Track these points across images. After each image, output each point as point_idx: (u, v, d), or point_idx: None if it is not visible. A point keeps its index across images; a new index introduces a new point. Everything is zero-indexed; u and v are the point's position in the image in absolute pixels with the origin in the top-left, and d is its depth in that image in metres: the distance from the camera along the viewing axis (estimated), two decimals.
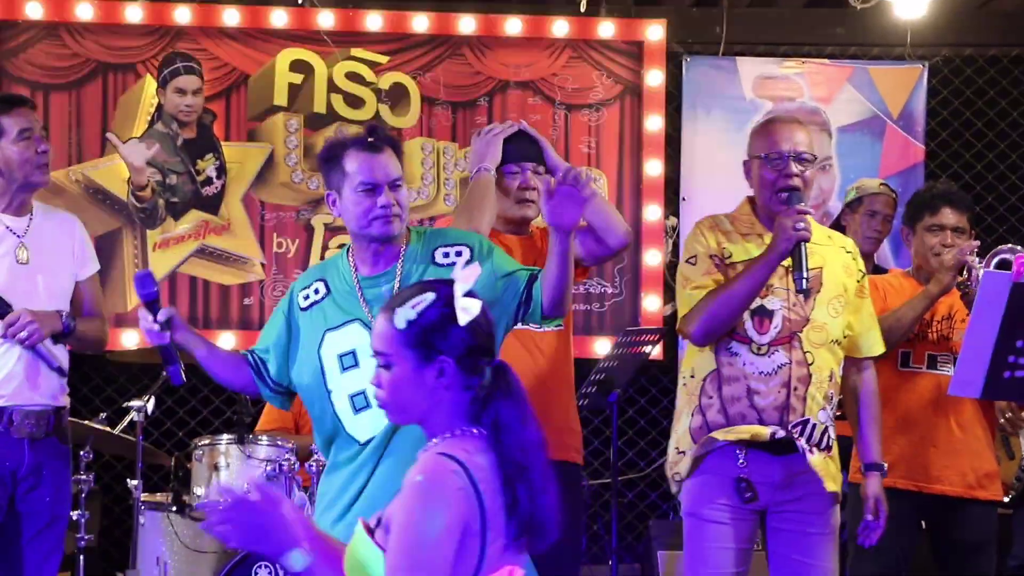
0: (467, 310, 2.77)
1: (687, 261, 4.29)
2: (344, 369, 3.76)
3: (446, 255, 3.87)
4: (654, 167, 7.35)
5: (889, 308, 4.87)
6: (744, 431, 4.12)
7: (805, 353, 4.16)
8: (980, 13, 7.73)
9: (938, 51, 7.60)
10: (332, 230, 7.20)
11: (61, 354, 4.60)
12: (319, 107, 7.27)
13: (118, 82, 7.19)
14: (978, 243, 4.80)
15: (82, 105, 7.15)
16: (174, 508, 5.62)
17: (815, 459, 4.14)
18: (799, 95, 7.48)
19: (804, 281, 4.09)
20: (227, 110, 7.25)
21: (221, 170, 7.20)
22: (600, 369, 5.96)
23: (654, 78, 7.38)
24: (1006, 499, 5.27)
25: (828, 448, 4.20)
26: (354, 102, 7.28)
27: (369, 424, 3.73)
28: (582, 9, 7.37)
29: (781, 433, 4.11)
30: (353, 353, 3.74)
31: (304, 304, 3.82)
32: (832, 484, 4.19)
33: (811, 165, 4.25)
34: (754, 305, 4.14)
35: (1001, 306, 3.47)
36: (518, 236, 4.60)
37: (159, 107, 7.17)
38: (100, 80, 7.17)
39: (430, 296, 2.78)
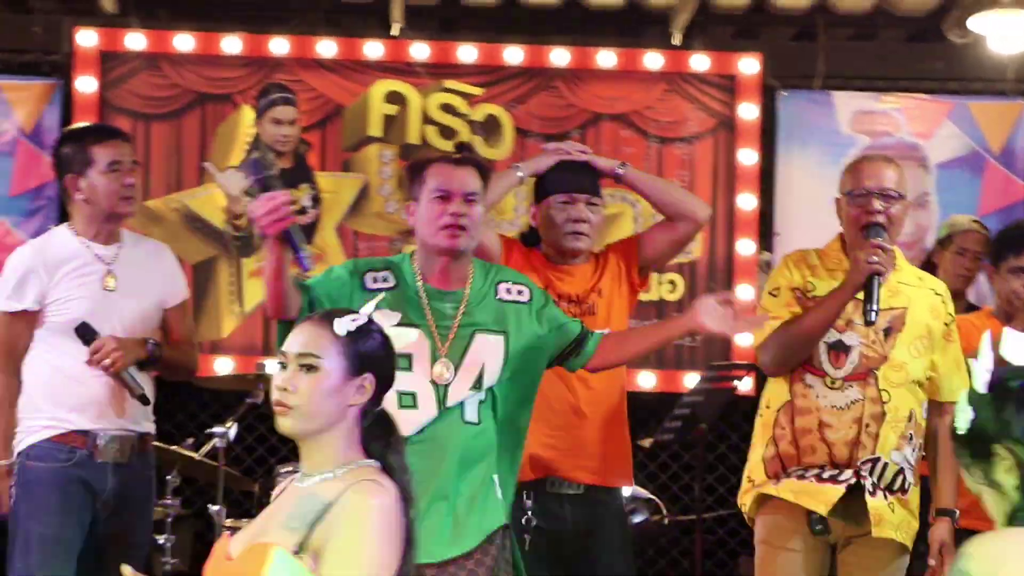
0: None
1: (770, 293, 4.33)
2: (403, 368, 3.79)
3: (508, 291, 3.94)
4: (747, 201, 7.30)
5: (969, 349, 4.77)
6: (807, 497, 4.12)
7: (881, 391, 4.14)
8: None
9: None
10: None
11: (145, 381, 4.66)
12: (413, 138, 7.32)
13: (216, 112, 7.29)
14: None
15: (181, 135, 7.27)
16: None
17: (875, 502, 4.11)
18: (897, 130, 7.39)
19: (873, 313, 4.05)
20: (322, 140, 7.32)
21: (316, 200, 7.28)
22: (685, 404, 5.92)
23: (748, 111, 7.33)
24: None
25: (903, 491, 4.15)
26: (448, 133, 7.32)
27: (406, 425, 3.76)
28: (676, 42, 7.34)
29: (849, 474, 4.08)
30: (409, 357, 3.77)
31: (372, 285, 3.85)
32: (887, 530, 4.14)
33: (898, 203, 4.21)
34: (832, 339, 4.14)
35: None
36: (576, 265, 4.59)
37: (256, 137, 7.26)
38: (199, 110, 7.28)
39: (366, 316, 2.85)
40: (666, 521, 6.46)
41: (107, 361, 4.49)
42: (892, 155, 7.17)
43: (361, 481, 2.73)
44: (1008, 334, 2.44)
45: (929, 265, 5.98)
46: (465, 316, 3.86)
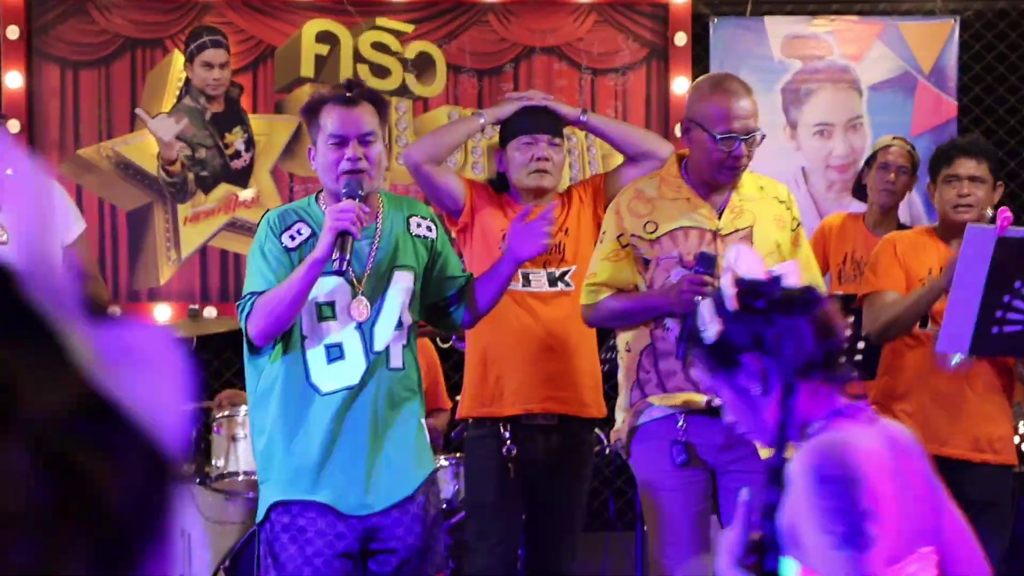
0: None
1: (600, 239, 4.35)
2: (321, 319, 3.84)
3: (419, 225, 3.98)
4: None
5: (831, 253, 4.85)
6: (678, 398, 4.13)
7: None
8: None
9: (970, 5, 7.48)
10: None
11: None
12: (346, 78, 7.28)
13: (146, 58, 7.24)
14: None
15: (111, 81, 7.21)
16: (196, 480, 5.68)
17: None
18: (828, 53, 7.40)
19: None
20: (254, 83, 7.28)
21: (249, 143, 7.24)
22: None
23: (680, 40, 7.33)
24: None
25: None
26: (380, 72, 7.29)
27: (337, 377, 3.82)
28: None
29: (717, 401, 4.10)
30: (332, 304, 3.82)
31: (291, 244, 3.86)
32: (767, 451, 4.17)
33: (759, 143, 4.23)
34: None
35: (986, 261, 3.44)
36: (542, 205, 4.68)
37: (187, 81, 7.22)
38: (128, 56, 7.22)
39: None
40: (608, 451, 6.50)
41: None
42: (824, 78, 7.28)
43: None
44: (740, 250, 2.55)
45: (860, 187, 6.03)
46: (379, 251, 3.89)
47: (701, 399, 4.11)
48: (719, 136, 4.17)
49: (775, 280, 2.60)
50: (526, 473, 4.61)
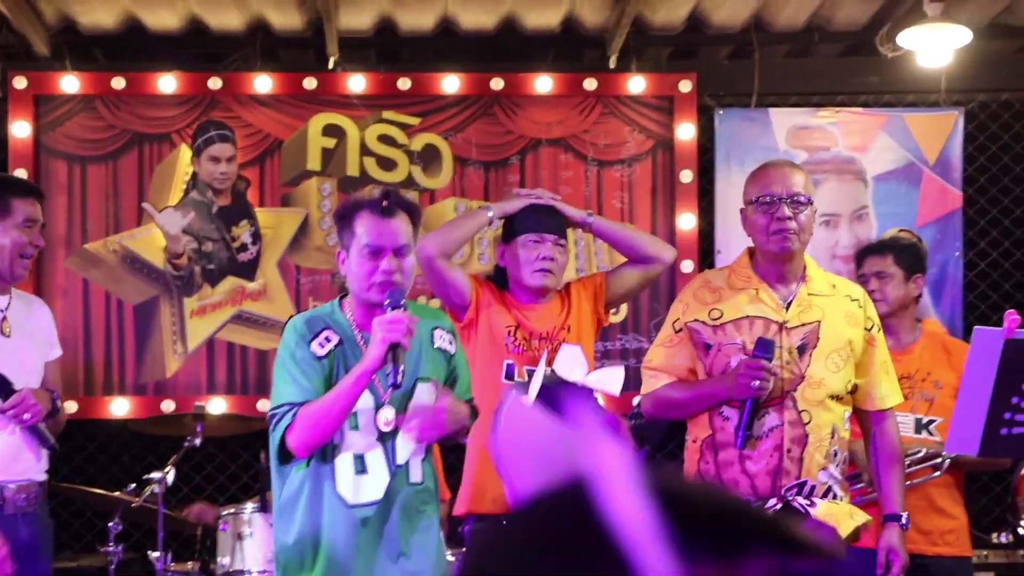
0: None
1: (672, 325, 4.30)
2: (351, 428, 3.82)
3: (442, 338, 4.00)
4: (687, 221, 7.33)
5: None
6: None
7: (800, 412, 4.08)
8: (1016, 58, 7.64)
9: (974, 96, 7.52)
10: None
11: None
12: (352, 170, 7.32)
13: (153, 152, 7.28)
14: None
15: (119, 176, 7.25)
16: None
17: (820, 510, 4.04)
18: (833, 144, 7.42)
19: (743, 439, 4.02)
20: (261, 176, 7.31)
21: (256, 236, 7.26)
22: (628, 428, 5.93)
23: (685, 131, 7.36)
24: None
25: (835, 499, 4.12)
26: (387, 164, 7.33)
27: (362, 491, 3.80)
28: (612, 65, 7.37)
29: (776, 503, 4.05)
30: (355, 416, 3.80)
31: (321, 353, 3.85)
32: (847, 523, 4.07)
33: (806, 208, 4.15)
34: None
35: (994, 363, 3.42)
36: (543, 304, 4.72)
37: (194, 175, 7.25)
38: (136, 151, 7.26)
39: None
40: None
41: (27, 415, 4.48)
42: (829, 169, 7.31)
43: None
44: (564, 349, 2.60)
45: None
46: (405, 364, 3.86)
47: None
48: (758, 199, 4.15)
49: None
50: None
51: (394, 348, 3.67)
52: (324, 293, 7.24)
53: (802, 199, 4.14)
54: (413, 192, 7.29)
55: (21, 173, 7.03)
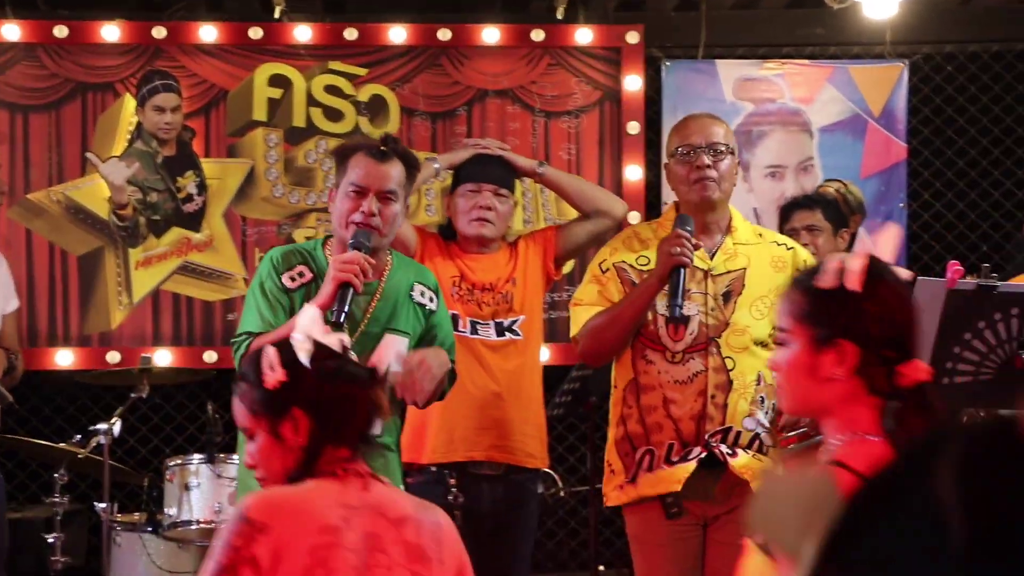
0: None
1: (599, 266, 4.30)
2: None
3: (422, 294, 3.99)
4: (634, 172, 7.34)
5: None
6: (662, 484, 4.09)
7: (725, 359, 4.09)
8: (961, 9, 7.69)
9: (918, 48, 7.56)
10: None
11: None
12: (298, 121, 7.28)
13: (97, 101, 7.20)
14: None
15: (62, 125, 7.17)
16: (148, 528, 5.63)
17: (740, 460, 4.06)
18: (779, 96, 7.45)
19: (677, 308, 3.97)
20: (207, 127, 7.26)
21: (202, 187, 7.21)
22: (574, 378, 5.96)
23: (633, 83, 7.36)
24: None
25: (761, 454, 4.14)
26: (333, 115, 7.29)
27: None
28: (559, 16, 7.35)
29: (698, 451, 4.08)
30: None
31: (292, 285, 3.86)
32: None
33: (727, 156, 4.17)
34: (669, 311, 4.06)
35: (936, 313, 3.46)
36: (488, 255, 4.72)
37: (138, 125, 7.18)
38: (79, 100, 7.19)
39: None
40: (562, 493, 6.51)
41: None
42: (775, 121, 7.34)
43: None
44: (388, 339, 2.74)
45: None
46: (377, 310, 3.88)
47: (681, 481, 4.07)
48: (678, 149, 4.17)
49: (345, 354, 2.81)
50: (471, 523, 4.58)
51: (343, 287, 3.68)
52: (270, 244, 7.19)
53: (721, 147, 4.17)
54: None
55: None
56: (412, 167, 3.97)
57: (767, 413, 4.15)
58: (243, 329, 3.84)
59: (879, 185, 7.33)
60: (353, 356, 2.88)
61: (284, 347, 2.78)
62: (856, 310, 2.39)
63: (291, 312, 3.81)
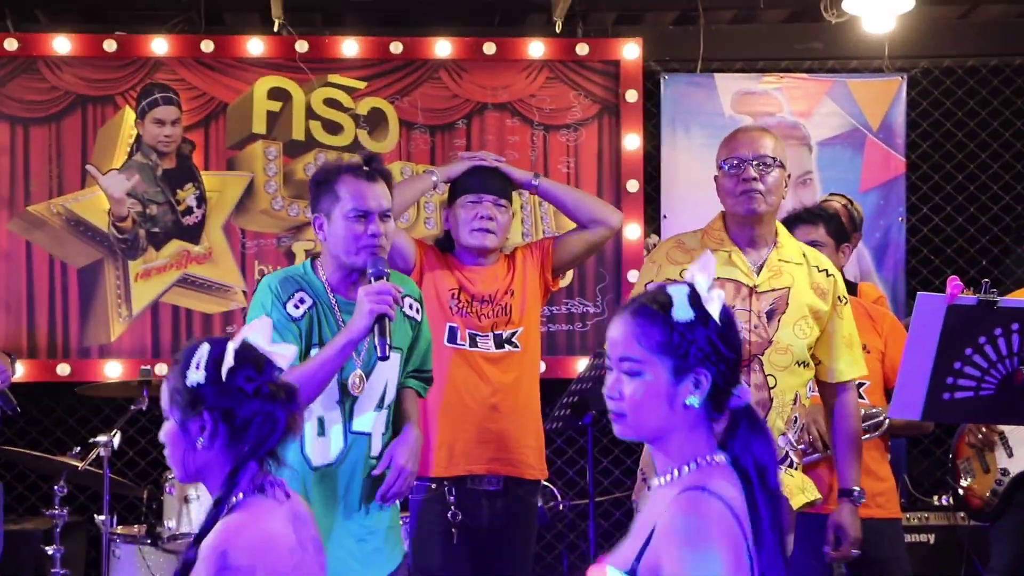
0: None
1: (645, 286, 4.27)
2: None
3: (410, 306, 4.02)
4: (633, 186, 7.35)
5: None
6: None
7: (767, 376, 4.07)
8: (959, 24, 7.71)
9: (917, 63, 7.58)
10: (313, 257, 7.20)
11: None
12: (298, 134, 7.29)
13: (97, 114, 7.21)
14: None
15: (62, 138, 7.19)
16: (148, 541, 5.63)
17: None
18: (778, 110, 7.47)
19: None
20: (206, 139, 7.27)
21: (201, 199, 7.22)
22: (572, 391, 5.95)
23: (632, 96, 7.37)
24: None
25: (792, 468, 4.13)
26: (332, 128, 7.30)
27: (324, 451, 3.83)
28: (558, 30, 7.37)
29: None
30: None
31: (296, 314, 3.85)
32: (798, 498, 4.11)
33: (775, 169, 4.13)
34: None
35: (937, 328, 3.47)
36: (487, 267, 4.72)
37: (138, 138, 7.20)
38: (79, 112, 7.20)
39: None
40: (562, 507, 6.52)
41: None
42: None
43: (685, 491, 2.53)
44: None
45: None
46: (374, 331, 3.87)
47: None
48: (726, 161, 4.14)
49: (271, 367, 2.84)
50: (471, 539, 4.58)
51: (381, 319, 3.69)
52: (269, 257, 7.22)
53: (769, 161, 4.12)
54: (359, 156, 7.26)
55: None
56: (392, 182, 4.01)
57: (795, 433, 4.15)
58: None
59: (878, 199, 7.34)
60: (285, 368, 2.89)
61: (217, 349, 2.81)
62: (711, 338, 2.56)
63: (301, 340, 3.81)
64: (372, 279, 3.77)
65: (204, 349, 2.82)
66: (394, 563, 4.02)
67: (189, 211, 7.20)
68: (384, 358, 3.74)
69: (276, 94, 7.29)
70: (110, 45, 7.18)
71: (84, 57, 7.20)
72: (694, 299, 2.57)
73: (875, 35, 7.18)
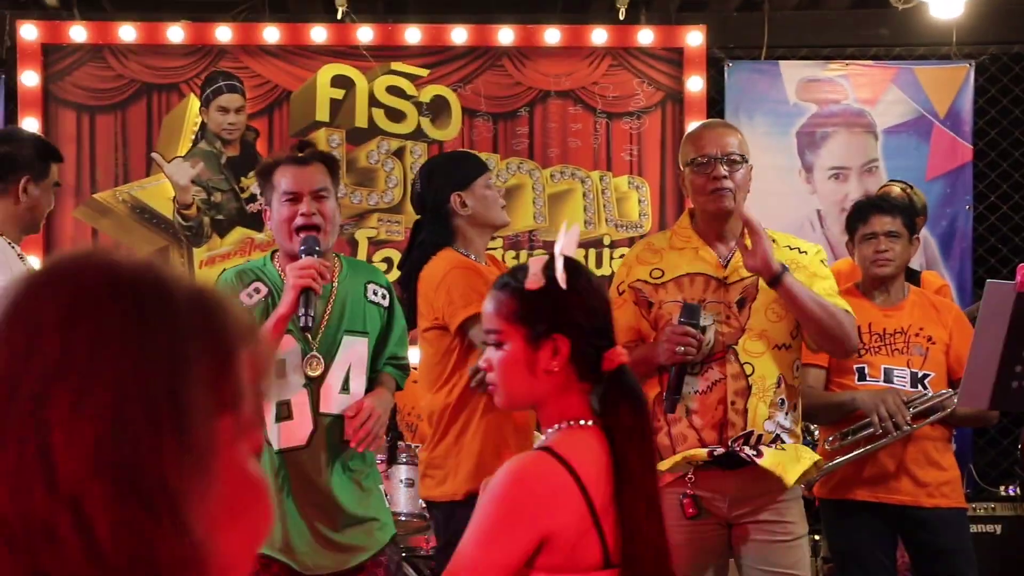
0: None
1: (616, 289, 4.24)
2: (278, 376, 3.85)
3: (375, 292, 4.03)
4: None
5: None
6: (679, 457, 4.07)
7: (743, 365, 4.06)
8: None
9: (985, 49, 7.48)
10: (376, 243, 7.25)
11: None
12: (361, 122, 7.31)
13: (162, 102, 7.27)
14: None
15: (128, 126, 7.25)
16: None
17: (766, 460, 4.01)
18: (843, 97, 7.40)
19: (673, 402, 3.98)
20: (270, 127, 7.31)
21: None
22: None
23: (695, 84, 7.33)
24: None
25: (784, 444, 4.10)
26: (395, 116, 7.31)
27: (285, 436, 3.85)
28: (621, 17, 7.34)
29: (720, 450, 4.05)
30: (283, 362, 3.84)
31: (249, 303, 3.89)
32: (793, 468, 4.03)
33: (742, 166, 4.15)
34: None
35: (1006, 316, 3.43)
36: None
37: (203, 126, 7.25)
38: (144, 100, 7.26)
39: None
40: None
41: None
42: (839, 122, 7.30)
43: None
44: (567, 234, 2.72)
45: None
46: (333, 314, 3.91)
47: (702, 453, 4.05)
48: (694, 160, 4.15)
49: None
50: None
51: (305, 292, 3.73)
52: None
53: (737, 157, 4.15)
54: (422, 144, 7.28)
55: (31, 122, 7.02)
56: (334, 166, 4.03)
57: (788, 414, 4.12)
58: None
59: (944, 187, 7.26)
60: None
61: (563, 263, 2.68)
62: (564, 305, 2.63)
63: None
64: (302, 255, 3.79)
65: (537, 264, 2.75)
66: (378, 544, 4.03)
67: (253, 198, 7.24)
68: (306, 328, 3.78)
69: (339, 82, 7.31)
70: (175, 33, 7.23)
71: (149, 45, 7.25)
72: (547, 269, 2.63)
73: (943, 21, 7.10)
